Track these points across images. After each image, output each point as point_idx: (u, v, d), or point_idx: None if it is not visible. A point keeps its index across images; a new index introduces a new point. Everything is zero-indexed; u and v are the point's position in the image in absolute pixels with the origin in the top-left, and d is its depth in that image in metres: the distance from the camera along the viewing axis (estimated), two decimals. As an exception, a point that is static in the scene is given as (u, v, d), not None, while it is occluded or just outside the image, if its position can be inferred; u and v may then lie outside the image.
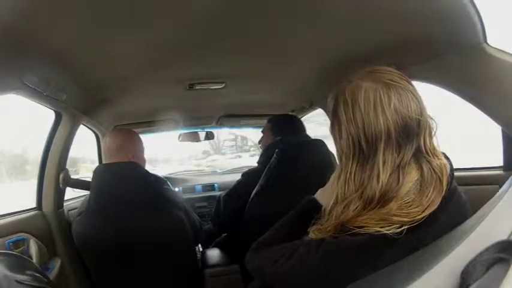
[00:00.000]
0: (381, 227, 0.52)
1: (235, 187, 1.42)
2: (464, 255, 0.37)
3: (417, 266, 0.43)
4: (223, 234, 1.71)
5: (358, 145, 0.57)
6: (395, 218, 0.52)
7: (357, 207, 0.55)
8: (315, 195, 0.69)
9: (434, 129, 0.59)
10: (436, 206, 0.53)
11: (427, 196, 0.53)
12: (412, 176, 0.55)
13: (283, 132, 1.40)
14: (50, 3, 0.66)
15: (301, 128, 1.46)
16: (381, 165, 0.55)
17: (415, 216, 0.52)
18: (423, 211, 0.52)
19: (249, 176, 1.40)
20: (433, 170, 0.55)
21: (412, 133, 0.55)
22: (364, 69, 0.61)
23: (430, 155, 0.57)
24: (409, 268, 0.47)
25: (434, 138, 0.59)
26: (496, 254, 0.34)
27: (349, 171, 0.58)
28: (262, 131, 1.53)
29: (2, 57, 0.78)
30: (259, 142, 1.57)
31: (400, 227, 0.51)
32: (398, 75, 0.58)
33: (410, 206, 0.53)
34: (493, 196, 0.57)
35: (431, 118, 0.58)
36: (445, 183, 0.55)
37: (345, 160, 0.60)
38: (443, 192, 0.54)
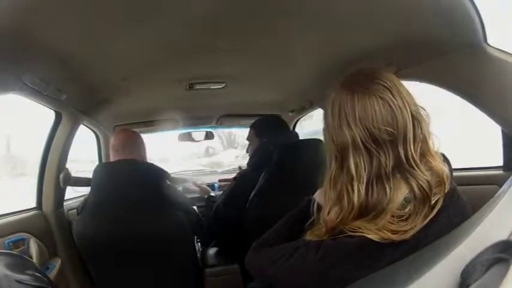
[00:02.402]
0: (373, 235, 0.51)
1: (229, 194, 1.40)
2: (464, 255, 0.37)
3: (417, 266, 0.43)
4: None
5: (334, 150, 0.58)
6: (386, 233, 0.51)
7: (343, 212, 0.55)
8: (314, 196, 0.69)
9: (418, 138, 0.55)
10: (427, 221, 0.52)
11: (418, 213, 0.52)
12: (402, 191, 0.53)
13: (267, 133, 1.40)
14: (50, 3, 0.66)
15: (283, 126, 1.46)
16: (353, 169, 0.54)
17: (404, 234, 0.51)
18: (413, 229, 0.51)
19: (241, 179, 1.39)
20: (421, 187, 0.53)
21: (381, 142, 0.54)
22: (349, 73, 0.61)
23: (414, 166, 0.54)
24: (409, 268, 0.47)
25: (430, 142, 0.57)
26: (496, 254, 0.34)
27: (332, 175, 0.59)
28: (247, 139, 1.50)
29: (2, 57, 0.78)
30: (247, 151, 1.52)
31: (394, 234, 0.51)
32: (373, 79, 0.56)
33: (402, 221, 0.52)
34: (493, 196, 0.57)
35: (419, 121, 0.55)
36: (435, 198, 0.53)
37: (328, 164, 0.61)
38: (436, 205, 0.53)
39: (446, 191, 0.54)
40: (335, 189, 0.57)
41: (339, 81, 0.60)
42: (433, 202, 0.53)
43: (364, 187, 0.53)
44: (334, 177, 0.58)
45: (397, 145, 0.54)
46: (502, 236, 0.40)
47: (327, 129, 0.60)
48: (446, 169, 0.57)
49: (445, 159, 0.60)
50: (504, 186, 0.62)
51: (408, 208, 0.52)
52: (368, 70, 0.60)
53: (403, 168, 0.54)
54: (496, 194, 0.57)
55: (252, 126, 1.47)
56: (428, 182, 0.53)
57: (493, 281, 0.32)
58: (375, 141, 0.54)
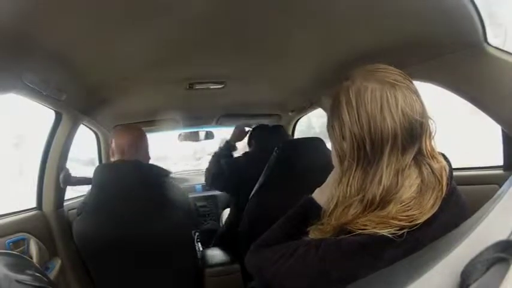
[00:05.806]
0: (380, 229, 0.51)
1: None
2: (464, 255, 0.37)
3: (417, 266, 0.43)
4: (223, 233, 1.72)
5: (363, 148, 0.55)
6: (395, 222, 0.51)
7: (356, 211, 0.55)
8: (313, 195, 0.69)
9: (434, 131, 0.58)
10: (436, 209, 0.53)
11: (427, 199, 0.53)
12: (412, 180, 0.54)
13: (252, 143, 1.59)
14: (50, 3, 0.66)
15: (269, 136, 1.57)
16: (384, 168, 0.54)
17: (414, 220, 0.51)
18: (423, 214, 0.52)
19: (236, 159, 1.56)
20: (433, 172, 0.55)
21: (415, 135, 0.54)
22: (364, 68, 0.59)
23: (430, 157, 0.56)
24: (409, 268, 0.47)
25: (432, 141, 0.58)
26: (496, 254, 0.34)
27: (352, 175, 0.56)
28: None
29: (2, 56, 0.78)
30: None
31: (400, 230, 0.51)
32: (401, 75, 0.57)
33: (410, 209, 0.52)
34: (493, 196, 0.57)
35: (431, 119, 0.58)
36: (444, 184, 0.54)
37: (347, 164, 0.58)
38: (443, 194, 0.54)
39: (446, 190, 0.54)
40: (355, 187, 0.56)
41: (366, 74, 0.57)
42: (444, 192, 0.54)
43: (389, 181, 0.53)
44: (358, 176, 0.56)
45: (422, 139, 0.56)
46: (502, 236, 0.40)
47: (353, 126, 0.55)
48: (447, 168, 0.57)
49: (446, 159, 0.60)
50: (504, 186, 0.62)
51: (414, 192, 0.54)
52: (389, 67, 0.59)
53: (420, 159, 0.56)
54: (496, 194, 0.57)
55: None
56: (440, 168, 0.55)
57: (493, 280, 0.32)
58: (410, 133, 0.54)
